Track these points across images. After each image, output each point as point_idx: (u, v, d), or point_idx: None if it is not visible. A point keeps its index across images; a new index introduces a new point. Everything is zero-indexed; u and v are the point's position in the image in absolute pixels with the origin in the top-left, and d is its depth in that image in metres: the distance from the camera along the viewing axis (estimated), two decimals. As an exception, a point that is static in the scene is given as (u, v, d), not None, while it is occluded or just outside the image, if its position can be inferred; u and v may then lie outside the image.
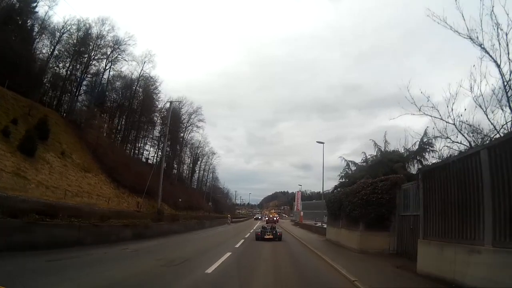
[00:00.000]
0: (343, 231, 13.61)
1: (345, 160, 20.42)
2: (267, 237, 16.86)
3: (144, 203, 39.65)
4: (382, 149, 17.32)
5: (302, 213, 47.76)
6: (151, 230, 14.71)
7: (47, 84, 44.03)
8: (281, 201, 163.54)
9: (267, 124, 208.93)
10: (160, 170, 27.47)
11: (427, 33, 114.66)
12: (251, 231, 24.70)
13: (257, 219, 74.19)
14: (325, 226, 34.41)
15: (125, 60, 52.59)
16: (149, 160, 64.57)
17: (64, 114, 42.79)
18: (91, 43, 49.27)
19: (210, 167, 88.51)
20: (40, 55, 43.94)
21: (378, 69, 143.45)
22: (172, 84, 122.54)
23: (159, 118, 62.84)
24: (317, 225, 35.63)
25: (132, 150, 59.77)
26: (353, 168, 19.50)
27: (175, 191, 57.18)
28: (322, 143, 28.76)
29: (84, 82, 49.45)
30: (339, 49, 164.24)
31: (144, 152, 65.08)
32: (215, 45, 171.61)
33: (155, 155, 64.44)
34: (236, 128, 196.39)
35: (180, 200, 49.10)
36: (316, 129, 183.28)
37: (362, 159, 19.15)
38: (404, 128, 27.34)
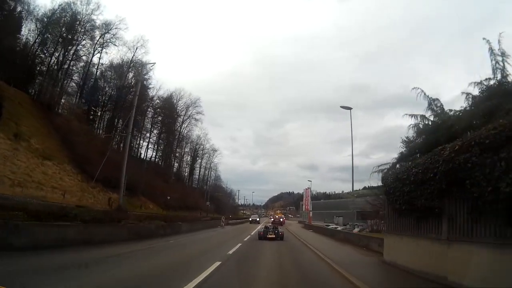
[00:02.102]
0: (459, 251, 5.79)
1: (424, 94, 12.05)
2: (270, 236, 17.41)
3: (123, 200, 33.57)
4: (502, 67, 9.80)
5: (311, 213, 41.46)
6: (22, 239, 8.03)
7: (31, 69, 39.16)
8: (287, 201, 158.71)
9: (274, 125, 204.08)
10: (124, 152, 21.29)
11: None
12: (245, 239, 17.55)
13: (254, 221, 50.32)
14: (338, 228, 27.74)
15: (115, 45, 47.72)
16: (142, 155, 59.65)
17: (36, 97, 37.36)
18: (76, 24, 44.23)
19: (211, 165, 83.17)
20: (24, 38, 39.83)
21: (385, 68, 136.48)
22: (177, 85, 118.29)
23: (151, 108, 57.43)
24: (330, 227, 28.95)
25: (122, 143, 54.31)
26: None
27: (171, 189, 51.50)
28: (350, 108, 22.47)
29: (74, 71, 44.81)
30: (346, 48, 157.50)
31: (139, 147, 59.98)
32: (222, 46, 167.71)
33: (147, 148, 59.56)
34: (243, 128, 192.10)
35: (168, 198, 42.88)
36: (322, 129, 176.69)
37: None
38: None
